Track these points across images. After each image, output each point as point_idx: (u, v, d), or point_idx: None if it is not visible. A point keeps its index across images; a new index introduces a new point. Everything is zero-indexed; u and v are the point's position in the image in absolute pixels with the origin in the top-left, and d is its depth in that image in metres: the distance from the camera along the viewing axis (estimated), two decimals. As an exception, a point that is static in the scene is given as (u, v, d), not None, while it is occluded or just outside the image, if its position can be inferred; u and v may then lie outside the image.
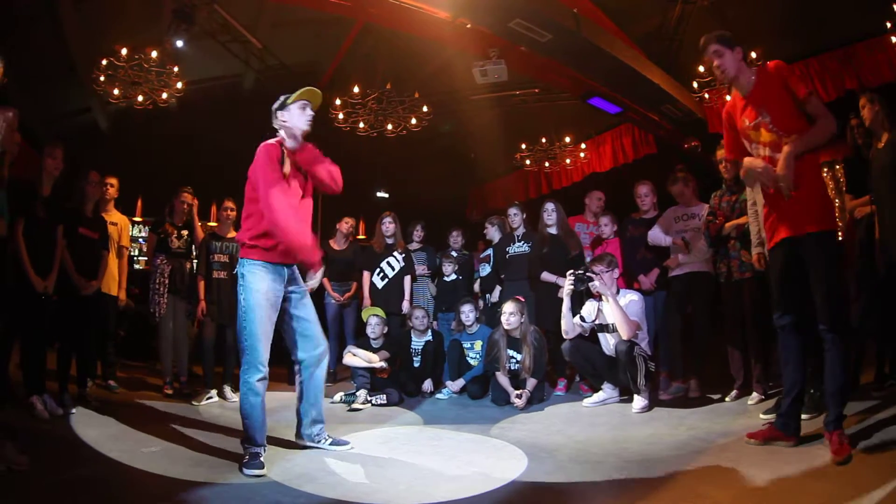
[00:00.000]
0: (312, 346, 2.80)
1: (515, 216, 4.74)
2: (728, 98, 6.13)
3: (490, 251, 5.09)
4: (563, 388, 4.34)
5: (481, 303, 5.03)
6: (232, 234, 4.32)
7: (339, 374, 5.03)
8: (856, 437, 2.45)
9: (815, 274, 2.38)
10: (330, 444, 2.86)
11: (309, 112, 2.76)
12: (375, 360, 4.22)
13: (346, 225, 5.30)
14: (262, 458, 2.51)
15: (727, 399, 3.61)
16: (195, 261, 4.48)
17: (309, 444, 2.86)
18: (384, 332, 4.44)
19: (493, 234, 5.19)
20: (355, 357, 4.24)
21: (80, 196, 3.83)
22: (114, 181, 4.44)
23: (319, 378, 2.86)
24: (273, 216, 2.56)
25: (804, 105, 2.39)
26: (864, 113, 2.97)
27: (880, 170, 2.90)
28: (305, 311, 2.80)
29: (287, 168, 2.69)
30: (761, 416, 3.10)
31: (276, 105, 2.79)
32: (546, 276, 4.41)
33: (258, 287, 2.62)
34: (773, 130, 2.39)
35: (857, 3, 5.37)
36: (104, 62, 5.51)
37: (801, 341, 2.54)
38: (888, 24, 5.47)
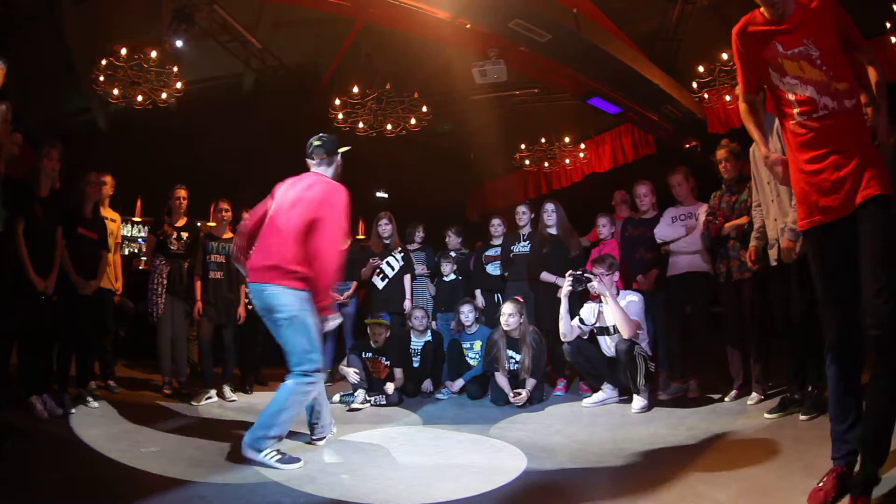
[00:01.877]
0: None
1: (524, 214, 4.74)
2: (731, 96, 6.34)
3: (496, 251, 4.97)
4: (563, 388, 4.34)
5: (480, 300, 4.95)
6: (228, 234, 4.31)
7: (336, 373, 5.02)
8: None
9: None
10: (276, 461, 2.50)
11: None
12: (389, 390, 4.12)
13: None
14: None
15: (727, 399, 3.61)
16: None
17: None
18: (387, 335, 4.37)
19: (499, 231, 5.11)
20: (354, 375, 4.16)
21: (79, 196, 3.82)
22: (107, 178, 4.44)
23: (285, 388, 2.66)
24: (334, 260, 2.66)
25: (859, 53, 2.01)
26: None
27: None
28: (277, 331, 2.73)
29: None
30: (766, 415, 3.09)
31: (339, 147, 2.89)
32: (546, 276, 4.41)
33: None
34: (822, 68, 1.93)
35: (857, 3, 5.34)
36: (104, 62, 5.53)
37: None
38: (888, 24, 5.48)
